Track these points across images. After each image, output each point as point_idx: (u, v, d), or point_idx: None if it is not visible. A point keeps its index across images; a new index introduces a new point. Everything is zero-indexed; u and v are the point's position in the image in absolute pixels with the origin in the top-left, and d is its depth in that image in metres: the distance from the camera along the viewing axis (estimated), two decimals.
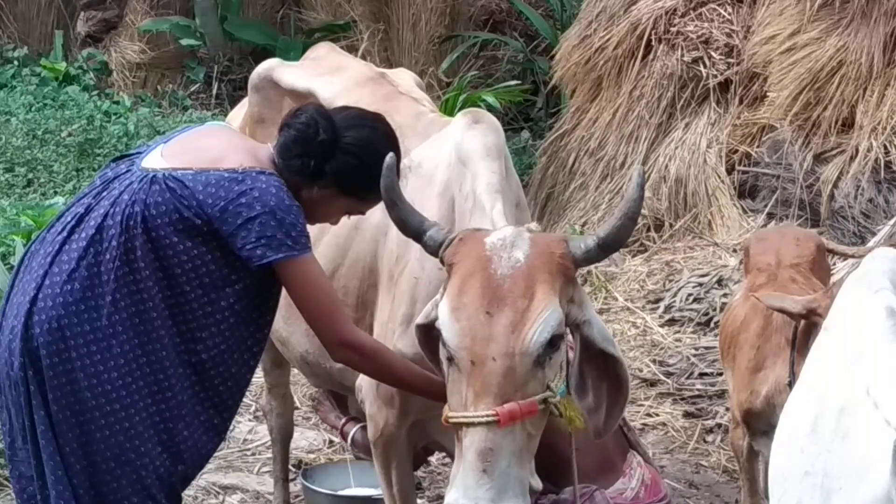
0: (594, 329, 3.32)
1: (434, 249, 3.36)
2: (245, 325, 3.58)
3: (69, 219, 3.56)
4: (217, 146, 3.61)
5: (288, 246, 3.45)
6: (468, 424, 3.16)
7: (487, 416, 3.14)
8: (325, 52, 4.88)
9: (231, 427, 4.00)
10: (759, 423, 4.51)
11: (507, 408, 3.14)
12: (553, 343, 3.20)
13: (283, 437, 5.21)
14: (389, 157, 3.44)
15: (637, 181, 3.24)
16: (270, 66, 4.65)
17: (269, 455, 5.52)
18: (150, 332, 3.48)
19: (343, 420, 4.49)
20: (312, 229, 3.94)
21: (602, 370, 3.35)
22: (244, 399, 4.58)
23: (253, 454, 5.86)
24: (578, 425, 3.37)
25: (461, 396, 3.20)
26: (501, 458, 3.15)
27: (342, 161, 3.59)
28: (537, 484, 3.45)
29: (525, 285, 3.19)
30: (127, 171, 3.59)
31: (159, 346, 3.49)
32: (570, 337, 3.35)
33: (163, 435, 3.53)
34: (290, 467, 5.35)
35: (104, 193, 3.56)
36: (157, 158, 3.59)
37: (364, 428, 4.27)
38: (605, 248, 3.27)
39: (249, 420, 6.11)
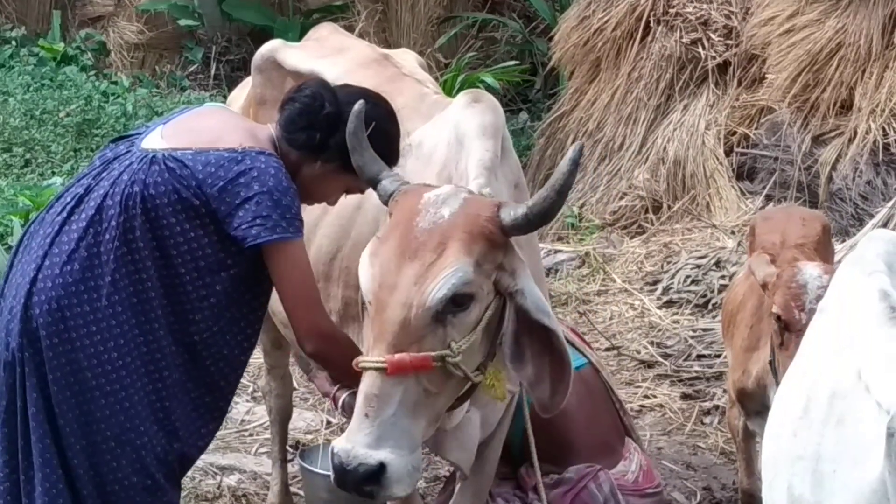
0: (528, 299, 3.29)
1: (385, 200, 3.41)
2: (238, 308, 3.59)
3: (68, 199, 3.56)
4: (216, 126, 3.61)
5: (282, 227, 3.46)
6: (363, 368, 3.21)
7: (377, 362, 3.17)
8: (327, 33, 4.86)
9: (229, 408, 4.00)
10: (753, 403, 4.52)
11: (396, 357, 3.16)
12: (458, 302, 3.20)
13: (281, 419, 5.22)
14: (358, 104, 3.46)
15: (571, 156, 3.22)
16: (273, 48, 4.63)
17: (267, 436, 5.53)
18: (148, 312, 3.49)
19: (335, 386, 4.51)
20: (314, 210, 3.95)
21: (545, 344, 3.33)
22: (242, 380, 4.59)
23: (251, 435, 5.87)
24: (499, 395, 3.40)
25: (367, 341, 3.25)
26: (387, 406, 3.16)
27: (346, 135, 3.59)
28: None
29: (438, 241, 3.21)
30: (127, 152, 3.59)
31: (156, 325, 3.50)
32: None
33: (159, 413, 3.54)
34: (288, 448, 5.36)
35: (103, 174, 3.56)
36: (157, 139, 3.60)
37: (355, 394, 4.28)
38: (533, 218, 3.26)
39: (247, 401, 6.12)
